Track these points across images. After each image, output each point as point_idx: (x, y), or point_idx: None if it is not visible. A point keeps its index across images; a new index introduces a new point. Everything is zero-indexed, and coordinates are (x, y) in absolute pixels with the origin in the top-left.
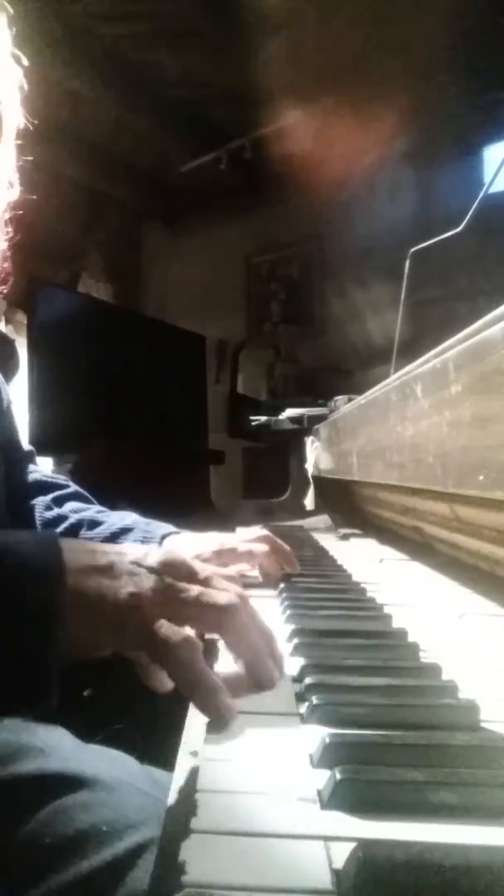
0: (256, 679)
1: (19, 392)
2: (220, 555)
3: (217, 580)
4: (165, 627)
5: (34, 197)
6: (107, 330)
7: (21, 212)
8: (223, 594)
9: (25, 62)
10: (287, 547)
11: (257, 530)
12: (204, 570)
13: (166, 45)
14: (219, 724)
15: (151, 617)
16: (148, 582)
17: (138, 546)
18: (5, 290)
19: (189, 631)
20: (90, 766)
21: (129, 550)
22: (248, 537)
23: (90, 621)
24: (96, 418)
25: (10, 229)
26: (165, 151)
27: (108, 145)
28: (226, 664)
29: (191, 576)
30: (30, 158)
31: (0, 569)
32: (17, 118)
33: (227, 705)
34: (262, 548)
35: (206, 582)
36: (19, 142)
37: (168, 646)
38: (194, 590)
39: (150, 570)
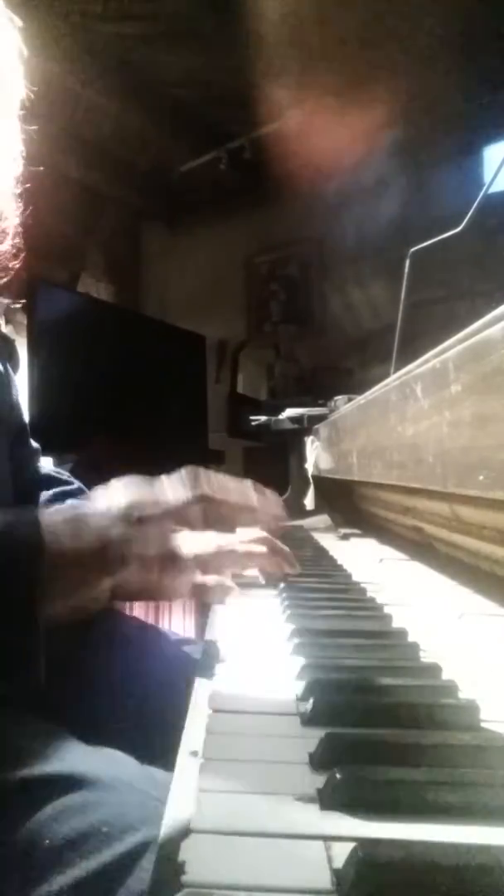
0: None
1: (19, 392)
2: (217, 556)
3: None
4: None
5: (34, 199)
6: (107, 330)
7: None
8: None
9: (19, 23)
10: (286, 548)
11: (256, 531)
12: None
13: (166, 45)
14: (219, 723)
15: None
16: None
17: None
18: (17, 265)
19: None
20: (90, 766)
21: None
22: (247, 538)
23: (73, 570)
24: (96, 418)
25: (20, 203)
26: (165, 151)
27: (108, 145)
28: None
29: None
30: (35, 163)
31: None
32: (18, 88)
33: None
34: (261, 548)
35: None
36: (22, 112)
37: (154, 560)
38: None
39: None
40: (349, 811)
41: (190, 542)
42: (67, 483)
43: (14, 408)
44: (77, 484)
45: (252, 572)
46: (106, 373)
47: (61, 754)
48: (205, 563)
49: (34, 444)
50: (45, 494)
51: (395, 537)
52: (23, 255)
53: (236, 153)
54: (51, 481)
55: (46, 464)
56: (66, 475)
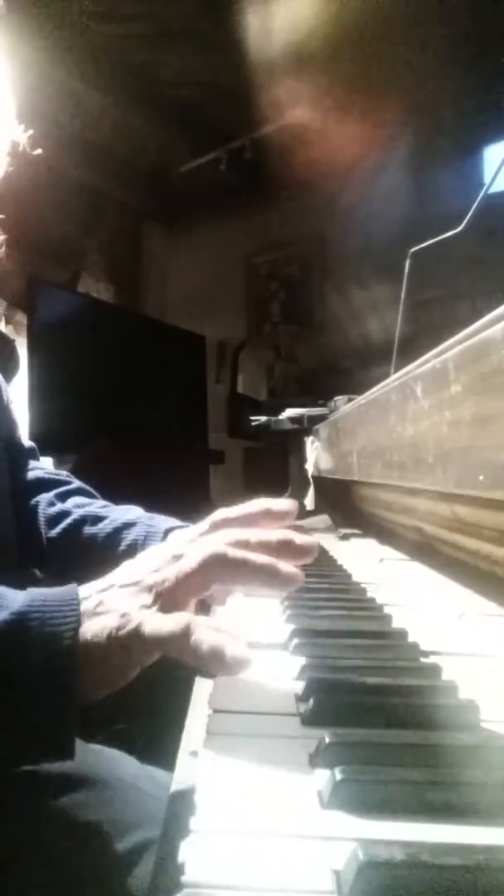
0: (279, 587)
1: (19, 392)
2: (217, 525)
3: (181, 548)
4: (152, 625)
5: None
6: (107, 330)
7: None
8: (190, 559)
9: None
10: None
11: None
12: (165, 555)
13: (166, 45)
14: (219, 723)
15: (149, 623)
16: (132, 600)
17: (110, 578)
18: (5, 262)
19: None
20: (90, 766)
21: (103, 587)
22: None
23: (103, 664)
24: (96, 418)
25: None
26: (165, 151)
27: (108, 145)
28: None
29: (163, 565)
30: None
31: (24, 630)
32: None
33: (238, 658)
34: (258, 507)
35: (175, 558)
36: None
37: (168, 640)
38: (169, 576)
39: (130, 588)
40: (349, 811)
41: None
42: (67, 483)
43: (5, 408)
44: (77, 483)
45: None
46: (106, 373)
47: None
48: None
49: (28, 443)
50: (45, 496)
51: (395, 537)
52: (11, 251)
53: (236, 153)
54: (50, 483)
55: (46, 464)
56: (64, 475)
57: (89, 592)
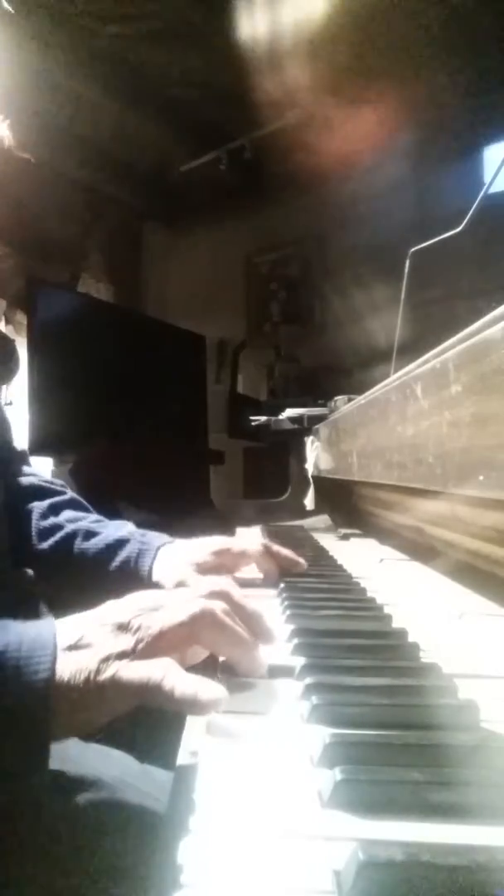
0: (243, 672)
1: (19, 392)
2: (215, 556)
3: (174, 598)
4: (136, 672)
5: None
6: (107, 330)
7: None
8: (180, 611)
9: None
10: (285, 550)
11: (256, 531)
12: (157, 601)
13: (166, 45)
14: (219, 723)
15: (125, 670)
16: (112, 642)
17: (95, 614)
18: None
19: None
20: (90, 766)
21: (87, 622)
22: (246, 543)
23: (77, 707)
24: (96, 418)
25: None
26: (165, 151)
27: (108, 145)
28: None
29: (149, 611)
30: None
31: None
32: None
33: (214, 699)
34: (258, 549)
35: (163, 608)
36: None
37: (143, 688)
38: (154, 624)
39: (113, 628)
40: (349, 811)
41: (186, 550)
42: (61, 493)
43: None
44: (70, 494)
45: (253, 573)
46: (106, 373)
47: (62, 754)
48: (204, 565)
49: (19, 447)
50: (38, 506)
51: (395, 537)
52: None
53: (236, 153)
54: (45, 492)
55: (46, 464)
56: (59, 484)
57: (71, 626)
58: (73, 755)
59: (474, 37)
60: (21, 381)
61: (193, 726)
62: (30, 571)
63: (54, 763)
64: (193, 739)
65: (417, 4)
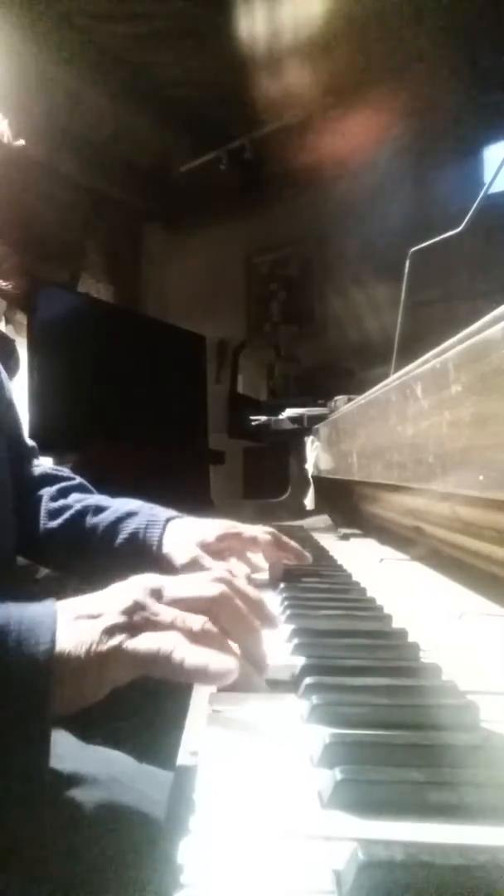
0: (251, 659)
1: (19, 392)
2: (223, 538)
3: (185, 582)
4: (143, 643)
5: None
6: (107, 330)
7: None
8: (202, 589)
9: None
10: (293, 543)
11: (261, 529)
12: (168, 589)
13: (166, 45)
14: (219, 721)
15: (131, 641)
16: (119, 615)
17: (105, 594)
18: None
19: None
20: (90, 766)
21: (94, 599)
22: (256, 531)
23: (77, 678)
24: (96, 418)
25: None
26: (165, 151)
27: (108, 145)
28: None
29: (156, 601)
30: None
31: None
32: None
33: (225, 670)
34: (267, 537)
35: (172, 603)
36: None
37: (150, 658)
38: (165, 613)
39: (122, 603)
40: (349, 811)
41: (194, 527)
42: (70, 479)
43: (10, 406)
44: (78, 480)
45: (259, 561)
46: (106, 373)
47: (61, 754)
48: (209, 546)
49: (30, 442)
50: (48, 490)
51: (395, 537)
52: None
53: (236, 153)
54: (55, 479)
55: (46, 464)
56: (66, 472)
57: (78, 601)
58: (73, 756)
59: (474, 37)
60: (21, 381)
61: (193, 726)
62: (43, 570)
63: (55, 763)
64: (193, 739)
65: (417, 5)
